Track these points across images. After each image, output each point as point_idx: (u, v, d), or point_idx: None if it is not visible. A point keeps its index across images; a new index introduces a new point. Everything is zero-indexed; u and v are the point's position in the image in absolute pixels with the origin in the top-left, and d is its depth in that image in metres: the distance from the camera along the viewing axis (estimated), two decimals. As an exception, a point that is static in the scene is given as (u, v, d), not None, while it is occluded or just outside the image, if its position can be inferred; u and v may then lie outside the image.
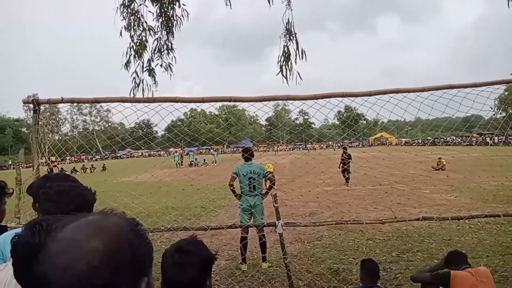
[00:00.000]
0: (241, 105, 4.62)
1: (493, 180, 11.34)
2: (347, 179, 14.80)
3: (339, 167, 14.80)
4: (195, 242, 1.51)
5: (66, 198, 1.43)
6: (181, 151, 34.37)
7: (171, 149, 38.76)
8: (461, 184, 12.59)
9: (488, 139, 44.27)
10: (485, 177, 10.95)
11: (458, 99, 4.37)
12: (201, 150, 36.91)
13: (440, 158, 19.49)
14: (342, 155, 15.00)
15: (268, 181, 5.94)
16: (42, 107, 4.33)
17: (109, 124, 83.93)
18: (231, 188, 5.78)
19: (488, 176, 10.65)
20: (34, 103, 4.11)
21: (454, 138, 43.79)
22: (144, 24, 5.08)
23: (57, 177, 1.87)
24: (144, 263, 0.75)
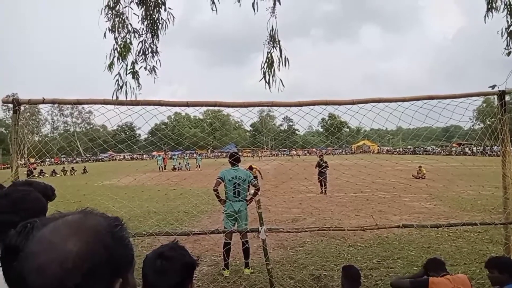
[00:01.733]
0: (226, 110, 4.64)
1: (471, 189, 11.66)
2: (325, 186, 14.55)
3: (315, 167, 14.70)
4: (177, 247, 1.48)
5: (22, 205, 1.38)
6: (164, 155, 34.07)
7: (155, 153, 38.35)
8: (440, 192, 12.88)
9: (467, 149, 45.50)
10: (463, 186, 11.24)
11: (438, 109, 4.51)
12: (184, 155, 36.57)
13: (420, 167, 19.92)
14: (319, 163, 14.78)
15: (253, 187, 5.92)
16: (22, 107, 4.24)
17: (91, 126, 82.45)
18: (216, 193, 5.72)
19: (466, 185, 10.94)
20: (14, 103, 4.01)
21: (434, 147, 44.80)
22: (129, 26, 5.03)
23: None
24: (121, 265, 0.74)
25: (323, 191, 14.44)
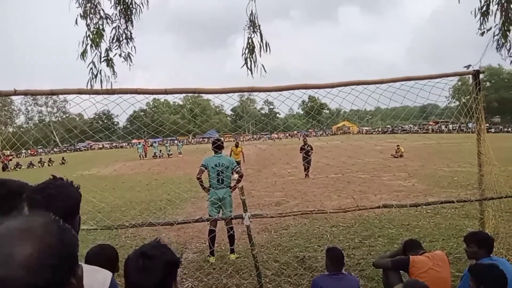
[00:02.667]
0: (206, 96, 4.58)
1: (448, 167, 12.05)
2: (307, 170, 14.43)
3: (300, 152, 14.55)
4: (159, 246, 1.46)
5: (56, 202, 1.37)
6: (144, 142, 33.59)
7: (134, 141, 37.73)
8: (418, 171, 13.25)
9: (443, 127, 46.78)
10: (440, 163, 11.61)
11: (415, 90, 4.58)
12: (165, 142, 36.15)
13: (398, 146, 20.39)
14: (304, 146, 14.63)
15: (236, 174, 5.91)
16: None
17: (67, 115, 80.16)
18: (199, 181, 5.69)
19: (443, 163, 11.29)
20: (-17, 96, 3.83)
21: (412, 126, 45.85)
22: (101, 12, 4.85)
23: None
24: (74, 253, 0.78)
25: (306, 174, 14.40)
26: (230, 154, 14.78)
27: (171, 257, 1.44)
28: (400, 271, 3.33)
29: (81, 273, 0.80)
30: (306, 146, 14.49)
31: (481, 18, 4.59)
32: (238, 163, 15.74)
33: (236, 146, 15.77)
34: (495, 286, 2.43)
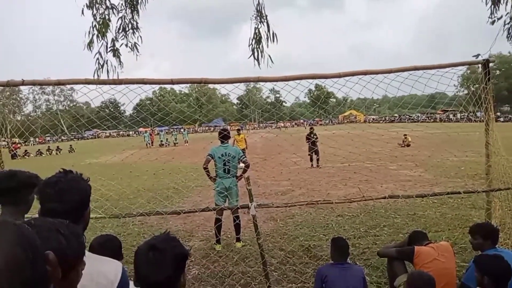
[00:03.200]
0: (212, 85, 4.59)
1: (455, 157, 11.96)
2: (317, 161, 14.32)
3: (306, 141, 14.04)
4: (169, 239, 1.49)
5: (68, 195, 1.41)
6: (151, 131, 33.73)
7: (141, 129, 37.91)
8: (425, 160, 13.18)
9: (451, 116, 46.25)
10: (448, 153, 11.52)
11: (423, 80, 4.53)
12: (172, 130, 36.24)
13: (405, 135, 20.23)
14: (310, 136, 14.06)
15: (243, 164, 5.93)
16: (0, 89, 4.10)
17: (74, 103, 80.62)
18: (206, 171, 5.73)
19: (450, 152, 11.20)
20: (-8, 85, 3.87)
21: (419, 115, 45.36)
22: (107, 2, 4.83)
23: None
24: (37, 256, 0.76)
25: (317, 165, 14.20)
26: (233, 143, 14.86)
27: (181, 250, 1.47)
28: (406, 262, 3.35)
29: (52, 258, 0.80)
30: (312, 135, 14.12)
31: (492, 6, 4.50)
32: (243, 151, 15.86)
33: (238, 133, 15.83)
34: (500, 277, 2.45)
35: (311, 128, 14.93)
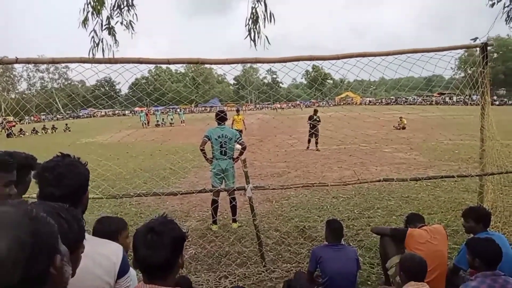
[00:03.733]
0: (209, 65, 4.53)
1: (450, 140, 12.05)
2: (316, 143, 13.97)
3: (307, 122, 13.53)
4: (167, 222, 1.53)
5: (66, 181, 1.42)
6: (147, 111, 33.51)
7: (137, 109, 37.59)
8: (420, 144, 13.26)
9: (447, 99, 46.27)
10: (442, 137, 11.60)
11: (421, 62, 4.52)
12: (168, 110, 36.02)
13: (401, 118, 20.29)
14: (312, 118, 13.45)
15: (239, 146, 5.94)
16: (-7, 67, 4.03)
17: (69, 81, 79.59)
18: (202, 152, 5.74)
19: (445, 136, 11.27)
20: (-15, 63, 3.79)
21: (416, 98, 45.34)
22: (102, -22, 4.69)
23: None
24: (49, 243, 0.76)
25: (316, 148, 13.86)
26: (232, 123, 14.94)
27: (178, 232, 1.51)
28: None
29: (60, 263, 0.79)
30: (315, 117, 13.57)
31: (493, -12, 4.44)
32: (240, 131, 16.09)
33: (237, 113, 16.03)
34: (491, 260, 2.52)
35: (315, 110, 14.34)
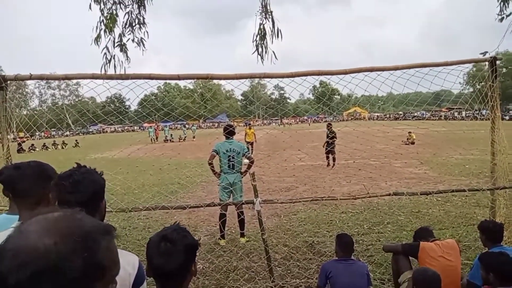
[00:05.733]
0: (217, 81, 4.60)
1: (460, 155, 11.91)
2: (333, 160, 13.23)
3: (323, 146, 13.47)
4: (179, 230, 1.54)
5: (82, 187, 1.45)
6: (156, 126, 33.88)
7: (146, 125, 38.03)
8: (430, 158, 13.13)
9: (456, 114, 45.95)
10: (452, 151, 11.48)
11: (429, 77, 4.52)
12: (178, 125, 36.40)
13: (410, 132, 20.16)
14: (329, 134, 13.22)
15: (247, 160, 5.96)
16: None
17: (80, 98, 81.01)
18: (211, 166, 5.76)
19: (455, 150, 11.15)
20: (1, 79, 3.90)
21: (424, 112, 45.19)
22: (115, -3, 4.85)
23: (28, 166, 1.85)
24: (93, 271, 0.71)
25: (332, 164, 13.21)
26: (245, 136, 16.00)
27: (191, 240, 1.52)
28: (410, 259, 3.38)
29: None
30: (329, 133, 13.22)
31: (502, 3, 4.47)
32: (252, 144, 16.76)
33: (249, 128, 17.30)
34: (505, 274, 2.46)
35: (328, 125, 13.72)
